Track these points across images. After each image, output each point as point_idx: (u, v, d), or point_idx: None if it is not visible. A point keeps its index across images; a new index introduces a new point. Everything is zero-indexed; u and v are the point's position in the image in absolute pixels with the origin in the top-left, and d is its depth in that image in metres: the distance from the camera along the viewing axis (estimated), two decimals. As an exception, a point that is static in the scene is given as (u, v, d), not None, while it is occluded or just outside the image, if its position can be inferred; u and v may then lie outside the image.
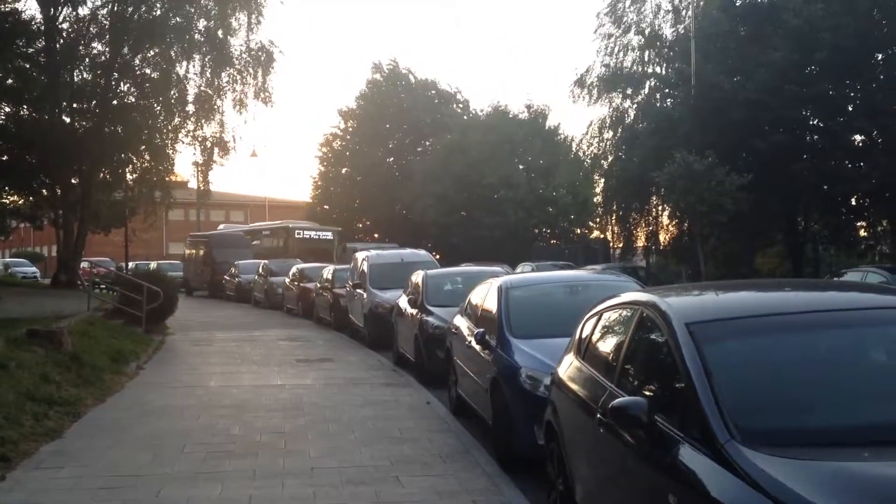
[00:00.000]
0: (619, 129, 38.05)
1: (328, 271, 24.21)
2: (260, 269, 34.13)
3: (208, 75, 29.09)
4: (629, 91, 37.85)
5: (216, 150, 30.12)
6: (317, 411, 10.46)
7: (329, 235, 42.85)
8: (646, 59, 37.94)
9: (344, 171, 59.22)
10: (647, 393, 4.55)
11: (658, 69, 36.71)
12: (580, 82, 39.31)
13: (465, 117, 55.62)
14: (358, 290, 18.95)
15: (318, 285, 24.66)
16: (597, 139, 39.97)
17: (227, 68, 29.18)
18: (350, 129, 59.38)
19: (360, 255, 20.48)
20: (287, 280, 29.44)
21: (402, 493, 6.85)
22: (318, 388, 12.47)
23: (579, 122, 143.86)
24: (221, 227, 51.07)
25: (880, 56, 23.07)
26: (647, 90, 36.93)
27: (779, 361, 4.30)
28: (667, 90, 31.27)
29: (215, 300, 38.03)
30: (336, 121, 60.33)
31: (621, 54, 38.37)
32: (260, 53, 29.50)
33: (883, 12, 22.60)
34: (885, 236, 25.19)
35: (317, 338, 20.20)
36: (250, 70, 29.53)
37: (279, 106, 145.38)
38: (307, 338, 20.12)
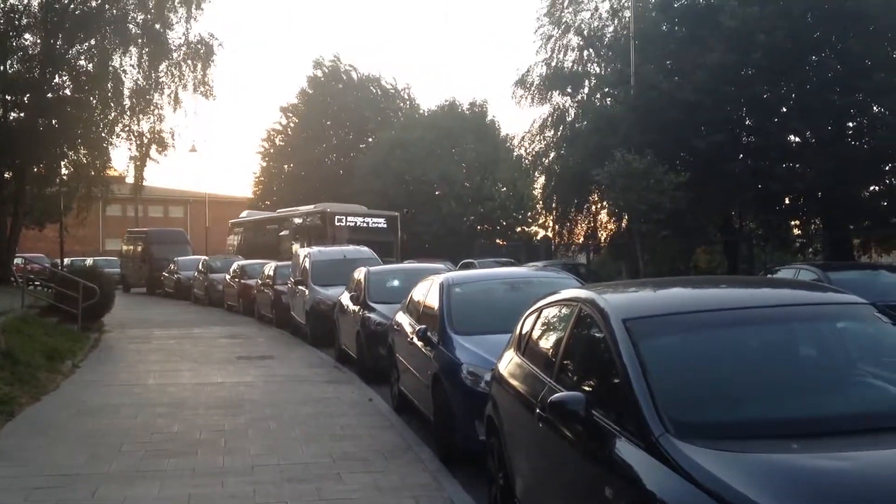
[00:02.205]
0: (560, 128, 38.39)
1: (269, 268, 24.07)
2: (200, 266, 33.72)
3: (146, 68, 28.52)
4: (570, 90, 38.21)
5: (154, 144, 29.58)
6: (257, 409, 10.40)
7: (382, 223, 32.46)
8: (585, 58, 38.35)
9: (286, 167, 58.75)
10: (586, 388, 4.62)
11: (598, 69, 37.13)
12: (522, 82, 39.59)
13: (415, 115, 55.54)
14: (300, 287, 18.84)
15: (260, 282, 24.47)
16: (538, 137, 40.30)
17: (166, 61, 28.64)
18: (292, 125, 58.94)
19: (301, 252, 20.37)
20: (228, 277, 29.14)
21: (344, 489, 6.85)
22: (258, 385, 12.38)
23: (522, 119, 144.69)
24: (244, 213, 42.65)
25: (813, 58, 23.64)
26: (587, 89, 37.32)
27: (712, 356, 4.42)
28: (607, 90, 31.62)
29: (154, 297, 37.49)
30: (278, 116, 59.86)
31: (561, 54, 38.73)
32: (199, 46, 29.02)
33: (815, 15, 23.18)
34: (818, 235, 25.86)
35: (258, 335, 20.04)
36: (189, 63, 29.02)
37: (223, 101, 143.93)
38: (248, 335, 19.94)
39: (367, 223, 31.62)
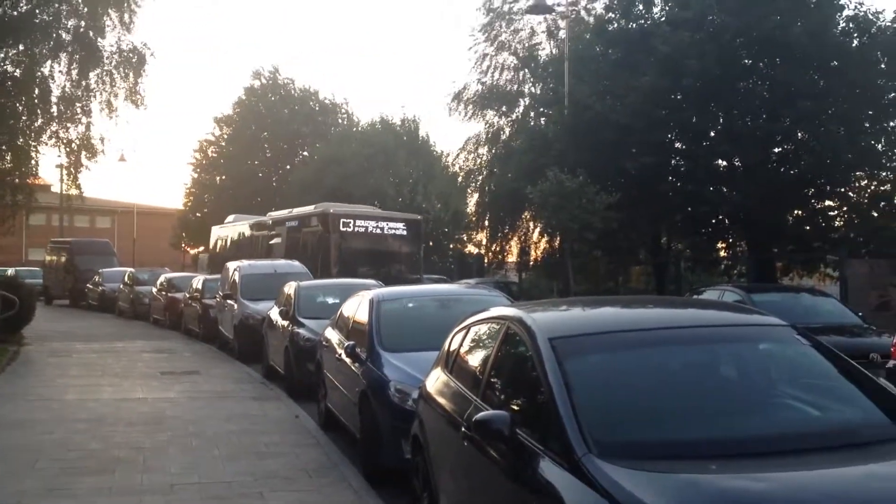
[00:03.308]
0: (495, 146, 38.64)
1: (198, 281, 23.66)
2: (126, 278, 32.99)
3: (76, 76, 27.95)
4: (504, 109, 38.51)
5: (83, 151, 28.90)
6: (180, 426, 10.15)
7: (401, 229, 24.97)
8: (521, 78, 38.69)
9: (218, 178, 57.92)
10: (512, 407, 4.61)
11: (533, 88, 37.49)
12: (457, 98, 39.77)
13: (352, 130, 55.30)
14: (228, 301, 18.54)
15: (188, 295, 24.02)
16: (472, 154, 40.48)
17: (97, 69, 28.11)
18: (225, 137, 58.19)
19: (231, 266, 20.06)
20: (154, 290, 28.55)
21: (266, 509, 6.71)
22: (182, 401, 12.10)
23: (458, 137, 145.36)
24: (230, 218, 35.54)
25: (742, 85, 24.24)
26: (521, 108, 37.67)
27: (636, 376, 4.45)
28: (541, 109, 31.95)
29: (77, 309, 36.54)
30: (211, 127, 59.03)
31: (497, 73, 39.03)
32: (131, 55, 28.50)
33: (744, 43, 23.80)
34: (743, 257, 26.44)
35: (184, 349, 19.64)
36: (121, 71, 28.47)
37: (155, 111, 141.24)
38: (173, 349, 19.53)
39: (383, 229, 24.40)
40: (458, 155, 42.78)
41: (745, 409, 4.28)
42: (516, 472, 4.15)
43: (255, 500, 6.91)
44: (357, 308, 9.75)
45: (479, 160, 40.25)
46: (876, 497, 3.42)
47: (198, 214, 56.64)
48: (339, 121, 58.05)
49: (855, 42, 22.67)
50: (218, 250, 34.46)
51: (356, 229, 23.92)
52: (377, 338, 8.57)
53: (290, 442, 9.20)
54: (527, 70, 38.20)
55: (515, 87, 38.69)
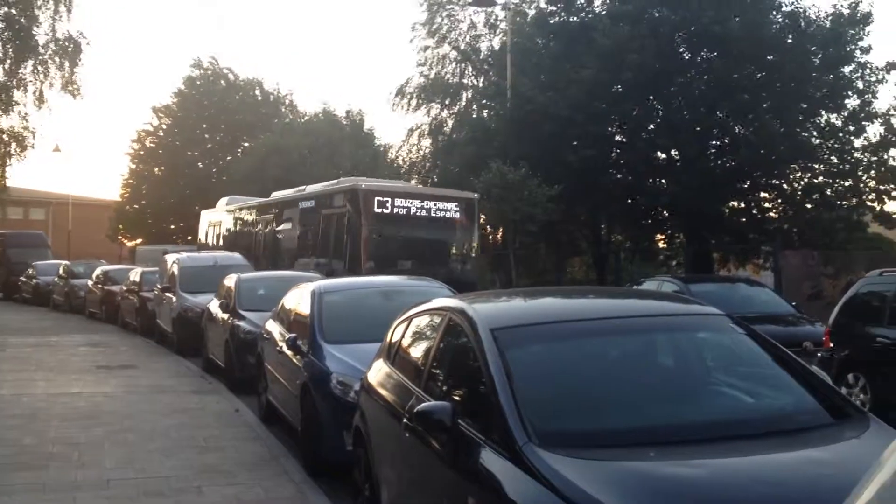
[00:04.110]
0: (438, 138, 38.68)
1: (135, 273, 23.24)
2: (61, 270, 32.28)
3: (9, 65, 27.27)
4: (447, 101, 38.55)
5: (14, 143, 28.22)
6: (116, 420, 9.96)
7: (453, 210, 18.95)
8: (463, 71, 38.77)
9: (156, 169, 56.88)
10: (455, 398, 4.61)
11: (475, 81, 37.59)
12: (400, 91, 39.72)
13: (296, 121, 54.72)
14: (167, 294, 18.23)
15: (125, 288, 23.58)
16: (415, 146, 40.46)
17: (32, 58, 27.45)
18: (164, 127, 57.17)
19: (170, 258, 19.74)
20: (90, 282, 27.96)
21: (204, 503, 6.62)
22: (119, 396, 11.87)
23: (401, 129, 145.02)
24: (223, 201, 29.85)
25: (680, 79, 24.57)
26: (464, 101, 37.75)
27: (576, 365, 4.48)
28: (484, 101, 32.04)
29: (10, 303, 35.64)
30: (149, 117, 57.93)
31: (439, 66, 39.04)
32: (67, 44, 27.91)
33: (683, 38, 24.14)
34: (682, 248, 26.85)
35: (120, 343, 19.28)
36: (56, 61, 27.89)
37: (92, 101, 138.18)
38: (110, 343, 19.17)
39: (430, 210, 18.41)
40: (401, 147, 42.70)
41: (682, 397, 4.35)
42: (458, 462, 4.15)
43: (192, 495, 6.81)
44: (299, 300, 9.65)
45: (422, 152, 40.22)
46: (806, 482, 3.50)
47: (135, 206, 55.57)
48: (283, 111, 57.44)
49: (790, 38, 23.12)
50: (208, 240, 29.87)
51: (395, 211, 17.81)
52: (319, 330, 8.50)
53: (230, 436, 9.09)
54: (468, 63, 38.28)
55: (458, 79, 38.75)
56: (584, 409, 4.15)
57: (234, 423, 9.88)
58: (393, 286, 10.44)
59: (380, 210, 17.66)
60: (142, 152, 57.49)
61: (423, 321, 5.80)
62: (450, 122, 38.67)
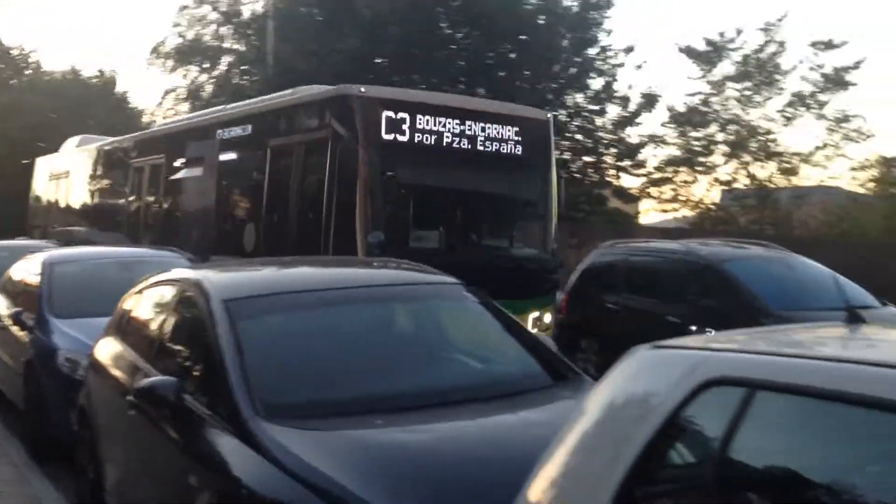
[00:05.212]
0: (195, 102, 37.17)
1: None
2: None
3: None
4: (206, 65, 37.07)
5: None
6: None
7: (513, 138, 9.86)
8: (222, 34, 37.40)
9: None
10: (186, 373, 4.40)
11: (237, 45, 36.39)
12: (156, 50, 37.76)
13: (40, 81, 50.49)
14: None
15: None
16: (172, 111, 38.59)
17: None
18: None
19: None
20: None
21: None
22: None
23: (158, 92, 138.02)
24: (73, 141, 20.35)
25: (441, 53, 25.03)
26: (224, 65, 36.44)
27: (309, 336, 4.43)
28: (244, 67, 31.09)
29: None
30: None
31: (199, 27, 37.42)
32: None
33: (445, 13, 24.60)
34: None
35: None
36: None
37: None
38: None
39: (480, 134, 9.67)
40: (154, 111, 40.67)
41: (413, 365, 4.39)
42: (182, 440, 3.98)
43: None
44: (28, 272, 8.94)
45: (178, 117, 38.46)
46: (523, 440, 3.64)
47: None
48: (25, 70, 52.95)
49: (542, 19, 24.18)
50: (45, 203, 21.32)
51: (423, 138, 9.40)
52: (47, 303, 7.92)
53: (-56, 418, 8.28)
54: (229, 26, 36.96)
55: (218, 42, 37.32)
56: (314, 380, 4.10)
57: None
58: (132, 257, 9.80)
59: (389, 136, 9.18)
60: None
61: (156, 293, 5.49)
62: (208, 88, 37.23)
